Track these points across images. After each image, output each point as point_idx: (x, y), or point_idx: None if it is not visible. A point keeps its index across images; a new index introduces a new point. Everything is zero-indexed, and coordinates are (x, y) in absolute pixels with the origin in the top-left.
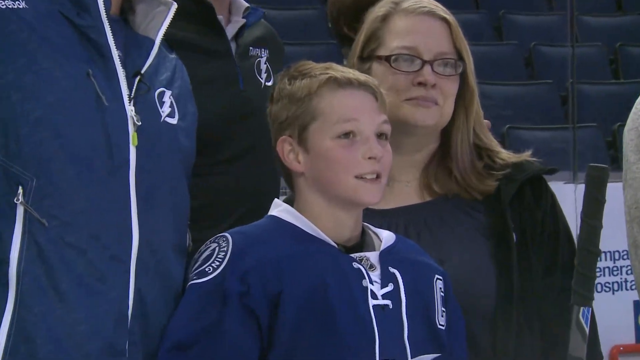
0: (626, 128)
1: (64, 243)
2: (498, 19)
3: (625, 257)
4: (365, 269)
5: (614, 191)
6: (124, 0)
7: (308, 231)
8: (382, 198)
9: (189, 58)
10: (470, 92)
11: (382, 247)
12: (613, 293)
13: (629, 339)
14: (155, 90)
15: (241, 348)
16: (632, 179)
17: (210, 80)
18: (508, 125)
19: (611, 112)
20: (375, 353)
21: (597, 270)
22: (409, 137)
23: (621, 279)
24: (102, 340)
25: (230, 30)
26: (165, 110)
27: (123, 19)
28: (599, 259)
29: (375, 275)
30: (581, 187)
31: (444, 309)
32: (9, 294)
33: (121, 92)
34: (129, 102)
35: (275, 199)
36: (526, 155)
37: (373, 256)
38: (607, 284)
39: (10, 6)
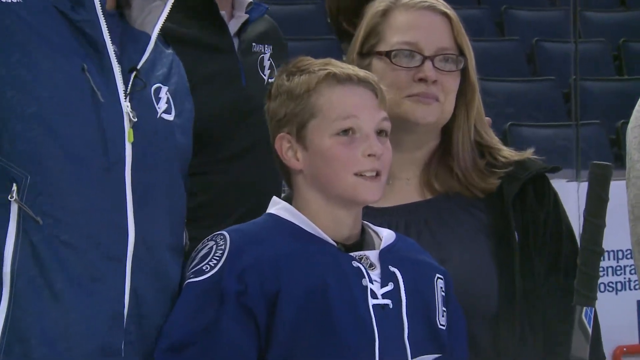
0: (630, 125)
1: (59, 241)
2: (500, 14)
3: (628, 256)
4: (365, 268)
5: (617, 189)
6: None
7: (307, 229)
8: (382, 196)
9: (190, 54)
10: (472, 89)
11: (382, 246)
12: (616, 293)
13: (633, 339)
14: (152, 86)
15: (239, 347)
16: (635, 177)
17: (211, 77)
18: (510, 123)
19: (615, 109)
20: (375, 353)
21: (600, 269)
22: (409, 135)
23: (624, 278)
24: (98, 340)
25: (233, 26)
26: (162, 106)
27: (119, 14)
28: (602, 258)
29: (375, 274)
30: (584, 185)
31: (444, 309)
32: (3, 294)
33: (117, 88)
34: (125, 98)
35: (274, 197)
36: (529, 153)
37: (373, 255)
38: (610, 284)
39: (3, 0)
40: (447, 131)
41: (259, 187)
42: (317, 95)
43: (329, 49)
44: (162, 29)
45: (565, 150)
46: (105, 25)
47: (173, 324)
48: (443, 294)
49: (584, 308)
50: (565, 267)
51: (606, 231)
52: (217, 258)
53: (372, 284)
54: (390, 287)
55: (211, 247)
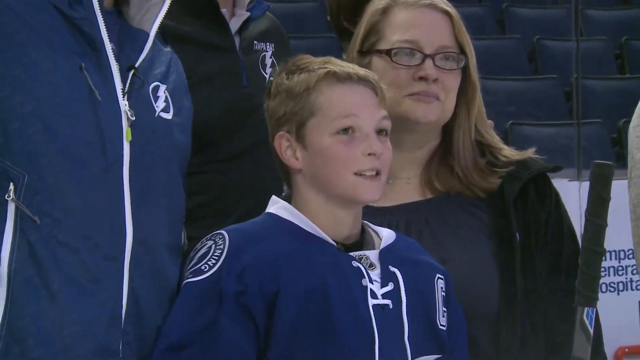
0: (632, 124)
1: (56, 241)
2: (501, 12)
3: (630, 256)
4: (364, 268)
5: (619, 189)
6: None
7: (306, 229)
8: (382, 195)
9: (191, 53)
10: (472, 87)
11: (382, 246)
12: (618, 293)
13: (635, 340)
14: (150, 85)
15: (238, 348)
16: (637, 177)
17: (212, 75)
18: (511, 121)
19: (616, 107)
20: (374, 353)
21: (602, 269)
22: (409, 134)
23: (626, 278)
24: (95, 340)
25: (234, 24)
26: (160, 105)
27: (117, 11)
28: (603, 258)
29: (375, 274)
30: (586, 185)
31: (445, 309)
32: (0, 293)
33: (115, 87)
34: (123, 97)
35: (273, 196)
36: (530, 153)
37: (373, 255)
38: (611, 284)
39: None
40: (447, 130)
41: (260, 187)
42: (316, 93)
43: (329, 47)
44: (162, 27)
45: (566, 150)
46: (103, 23)
47: (172, 324)
48: (443, 294)
49: (586, 308)
50: (567, 267)
51: (608, 231)
52: (216, 258)
53: (372, 284)
54: (390, 287)
55: (210, 247)
